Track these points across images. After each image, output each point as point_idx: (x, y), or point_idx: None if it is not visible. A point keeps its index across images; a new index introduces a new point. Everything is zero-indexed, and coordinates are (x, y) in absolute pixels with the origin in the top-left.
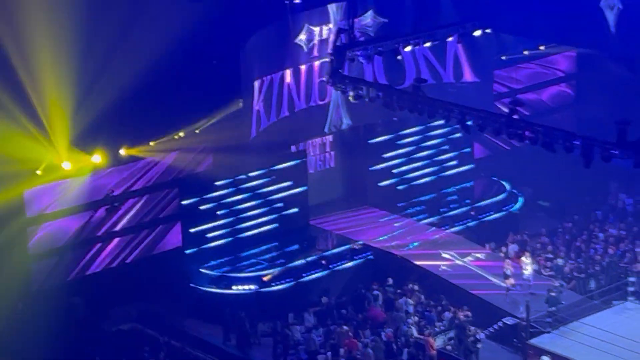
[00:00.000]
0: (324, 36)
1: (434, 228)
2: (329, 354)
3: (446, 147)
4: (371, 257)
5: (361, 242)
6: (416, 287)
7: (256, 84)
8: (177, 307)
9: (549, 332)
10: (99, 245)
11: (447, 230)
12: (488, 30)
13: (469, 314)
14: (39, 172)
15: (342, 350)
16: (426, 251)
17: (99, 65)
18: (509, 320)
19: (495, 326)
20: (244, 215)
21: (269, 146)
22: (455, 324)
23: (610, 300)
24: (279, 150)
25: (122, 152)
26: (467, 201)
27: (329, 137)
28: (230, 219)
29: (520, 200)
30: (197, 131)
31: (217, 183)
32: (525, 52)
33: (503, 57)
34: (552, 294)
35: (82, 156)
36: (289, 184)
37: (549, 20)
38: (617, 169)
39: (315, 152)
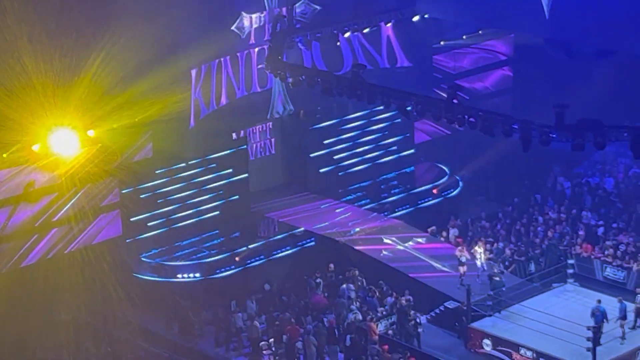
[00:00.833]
0: (261, 23)
1: (375, 214)
2: (271, 340)
3: (386, 132)
4: (313, 243)
5: (302, 229)
6: (357, 273)
7: (193, 72)
8: (118, 296)
9: (490, 316)
10: (35, 236)
11: (388, 216)
12: (426, 16)
13: (411, 298)
14: None
15: (284, 337)
16: (368, 236)
17: None
18: (450, 304)
19: (437, 310)
20: (185, 203)
21: (209, 134)
22: (397, 308)
23: (550, 282)
24: (220, 138)
25: None
26: (408, 186)
27: (269, 124)
28: (171, 207)
29: (460, 184)
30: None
31: (157, 171)
32: (464, 37)
33: (442, 43)
34: (496, 278)
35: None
36: (229, 171)
37: (486, 5)
38: (556, 152)
39: (256, 139)
